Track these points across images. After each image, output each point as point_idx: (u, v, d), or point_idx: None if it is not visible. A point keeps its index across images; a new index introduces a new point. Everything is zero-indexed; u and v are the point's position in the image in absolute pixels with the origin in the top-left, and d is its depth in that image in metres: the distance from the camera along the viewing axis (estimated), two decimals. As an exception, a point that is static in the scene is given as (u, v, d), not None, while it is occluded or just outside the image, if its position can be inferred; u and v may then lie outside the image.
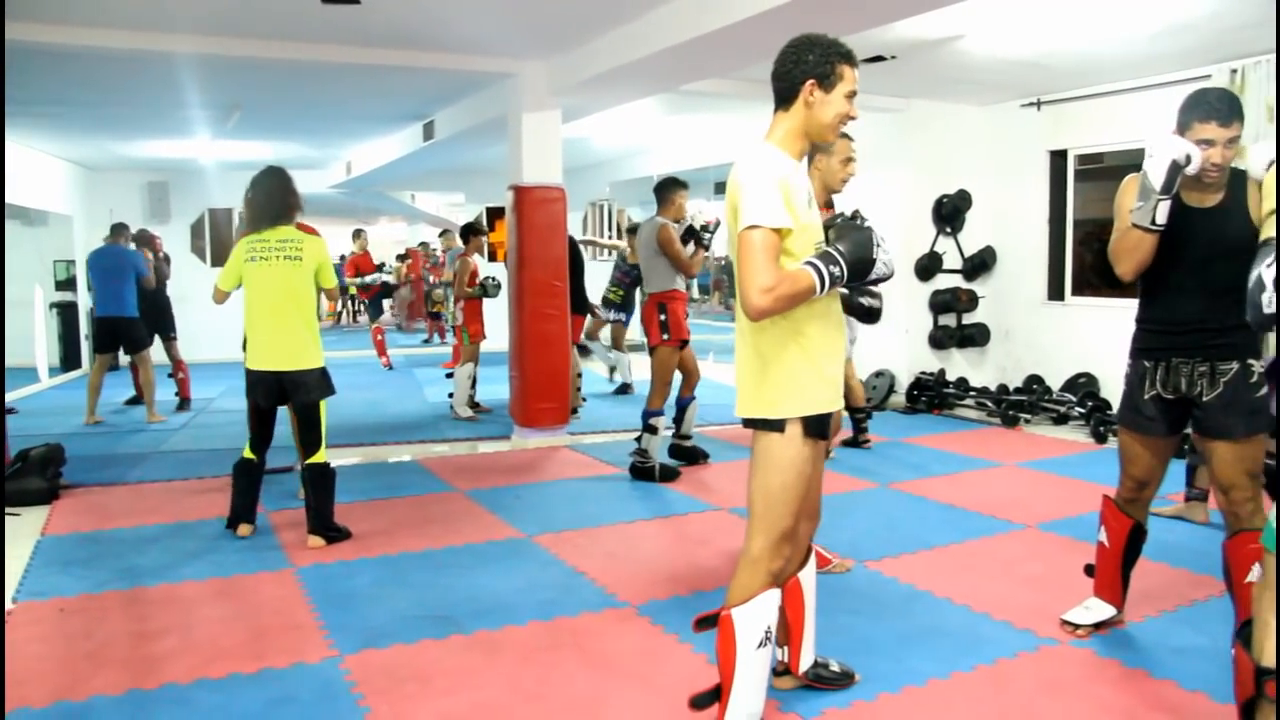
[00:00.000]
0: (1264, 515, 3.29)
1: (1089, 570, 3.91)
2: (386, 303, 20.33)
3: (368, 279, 13.99)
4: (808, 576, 3.22)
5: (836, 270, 2.72)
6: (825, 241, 2.85)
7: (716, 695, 2.82)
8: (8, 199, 11.05)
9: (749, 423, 2.89)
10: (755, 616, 2.79)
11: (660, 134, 12.48)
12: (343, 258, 15.52)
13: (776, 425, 2.81)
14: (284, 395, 5.14)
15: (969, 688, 3.40)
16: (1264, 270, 2.23)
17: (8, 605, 4.37)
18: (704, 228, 6.75)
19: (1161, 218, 3.27)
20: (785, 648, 3.28)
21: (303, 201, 5.31)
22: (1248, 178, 3.38)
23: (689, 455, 7.17)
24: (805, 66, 2.79)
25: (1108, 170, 9.51)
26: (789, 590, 3.12)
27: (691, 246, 6.67)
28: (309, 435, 5.20)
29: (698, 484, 6.53)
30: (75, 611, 4.30)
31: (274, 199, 5.12)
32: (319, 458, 5.19)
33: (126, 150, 12.82)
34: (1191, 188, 3.41)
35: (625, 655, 3.74)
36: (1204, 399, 3.42)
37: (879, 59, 7.49)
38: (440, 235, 15.92)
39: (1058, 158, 9.24)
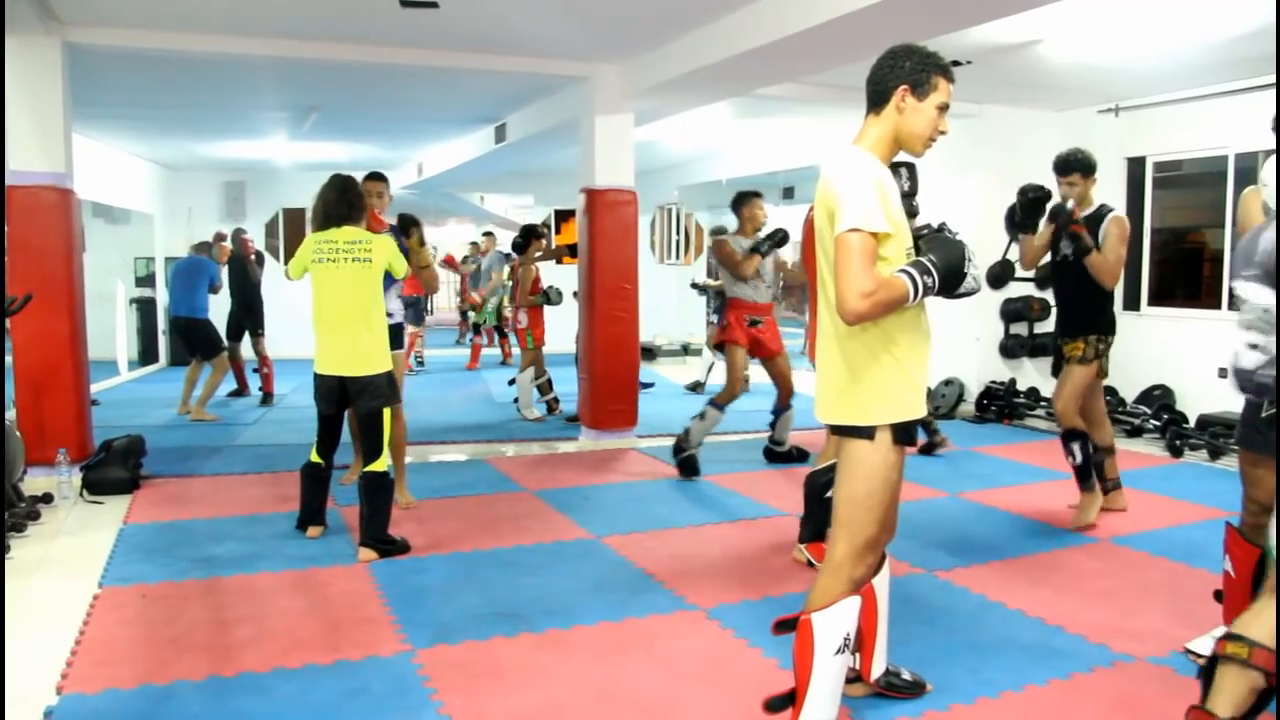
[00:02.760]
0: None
1: (1218, 596, 3.70)
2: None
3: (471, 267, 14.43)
4: (882, 584, 3.21)
5: (929, 280, 2.71)
6: (917, 250, 2.84)
7: (791, 699, 2.82)
8: (94, 198, 11.39)
9: (836, 429, 2.89)
10: (835, 622, 2.79)
11: (730, 138, 12.47)
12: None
13: (866, 432, 2.81)
14: (348, 399, 5.09)
15: (1043, 701, 3.36)
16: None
17: (93, 590, 4.51)
18: (765, 241, 6.80)
19: None
20: (858, 655, 3.27)
21: (368, 203, 5.34)
22: None
23: (784, 458, 7.30)
24: (901, 72, 2.80)
25: (1186, 178, 9.32)
26: (863, 597, 3.11)
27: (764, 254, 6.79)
28: (370, 442, 5.06)
29: (769, 489, 6.51)
30: (158, 598, 4.42)
31: (343, 199, 5.11)
32: (378, 466, 5.04)
33: (205, 150, 13.13)
34: None
35: (695, 657, 3.75)
36: None
37: (954, 64, 7.40)
38: (484, 236, 15.83)
39: (1135, 165, 9.07)
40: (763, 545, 5.30)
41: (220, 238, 10.34)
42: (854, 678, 3.30)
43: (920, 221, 3.09)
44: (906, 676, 3.38)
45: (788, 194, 15.92)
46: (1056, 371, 5.65)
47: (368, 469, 5.04)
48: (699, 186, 15.09)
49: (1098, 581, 4.63)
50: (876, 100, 2.84)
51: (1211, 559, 4.78)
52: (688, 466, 6.81)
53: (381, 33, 7.10)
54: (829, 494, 4.63)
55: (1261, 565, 3.50)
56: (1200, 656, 3.63)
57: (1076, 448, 5.48)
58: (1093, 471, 5.55)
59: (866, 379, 2.80)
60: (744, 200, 6.92)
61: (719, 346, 6.95)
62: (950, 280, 2.76)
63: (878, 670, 3.31)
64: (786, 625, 2.86)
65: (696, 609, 4.26)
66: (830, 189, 2.73)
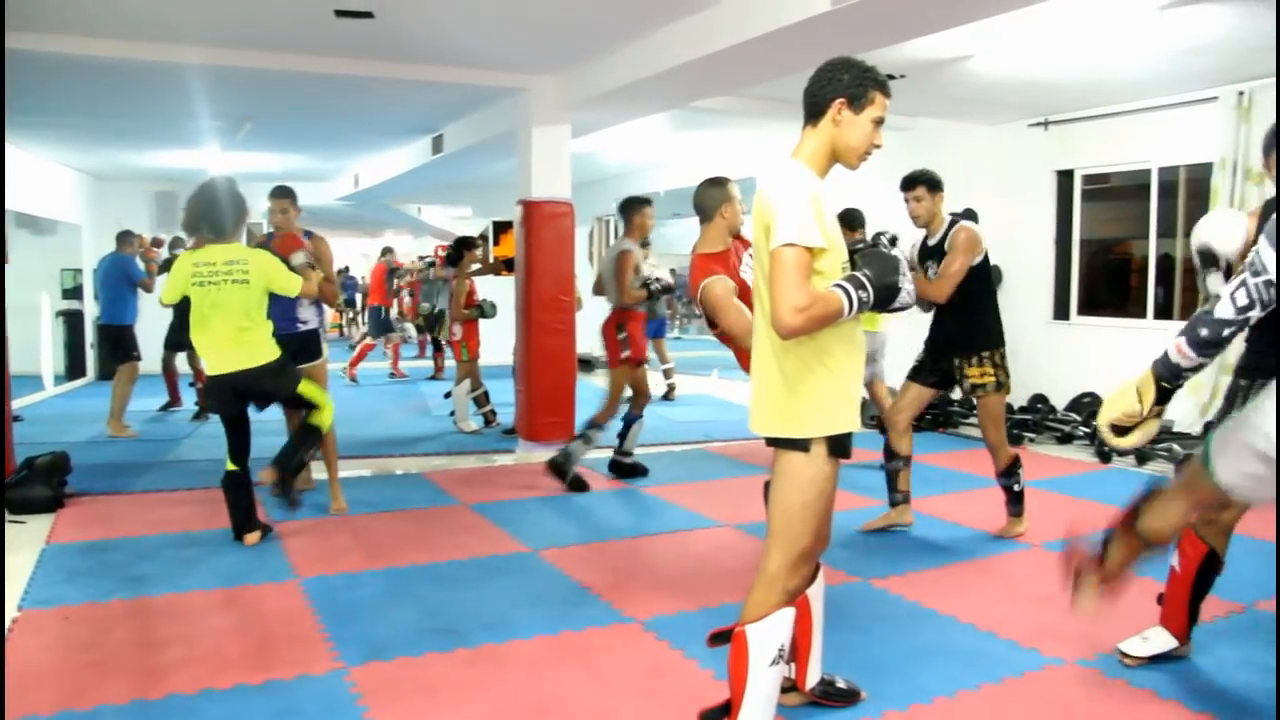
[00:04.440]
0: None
1: (1161, 600, 3.77)
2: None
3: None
4: (816, 594, 3.22)
5: (864, 295, 2.71)
6: (852, 265, 2.86)
7: (726, 711, 2.82)
8: (18, 208, 11.12)
9: (772, 441, 2.89)
10: (769, 634, 2.80)
11: (669, 150, 12.53)
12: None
13: (801, 444, 2.81)
14: (246, 396, 5.10)
15: (975, 705, 3.40)
16: (1220, 286, 2.69)
17: (12, 614, 4.37)
18: (656, 282, 6.75)
19: (1214, 288, 3.33)
20: (793, 664, 3.27)
21: (247, 212, 5.20)
22: None
23: (629, 471, 7.20)
24: (838, 85, 2.80)
25: (1114, 190, 9.54)
26: (799, 607, 3.12)
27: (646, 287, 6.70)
28: (306, 408, 5.21)
29: (704, 500, 6.51)
30: (80, 620, 4.30)
31: (216, 212, 4.96)
32: (317, 419, 5.24)
33: (135, 160, 12.89)
34: None
35: (632, 671, 3.74)
36: None
37: (889, 78, 7.51)
38: (382, 255, 15.70)
39: (1064, 177, 9.26)
40: (699, 556, 5.31)
41: (129, 234, 9.94)
42: (789, 687, 3.30)
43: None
44: (841, 685, 3.40)
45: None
46: (962, 389, 5.55)
47: (308, 420, 5.22)
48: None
49: (1029, 587, 4.70)
50: (813, 112, 2.84)
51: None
52: (577, 484, 6.76)
53: (316, 42, 7.03)
54: None
55: (1207, 563, 3.60)
56: (1131, 657, 3.72)
57: (1021, 475, 5.54)
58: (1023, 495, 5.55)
59: (801, 391, 2.80)
60: (634, 206, 6.81)
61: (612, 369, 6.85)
62: (885, 295, 2.78)
63: (813, 679, 3.32)
64: (721, 637, 2.86)
65: (633, 621, 4.24)
66: (766, 203, 2.73)
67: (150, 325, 10.24)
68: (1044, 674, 3.66)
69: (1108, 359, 8.62)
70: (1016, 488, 5.54)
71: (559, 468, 6.75)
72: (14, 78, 7.03)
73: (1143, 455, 7.55)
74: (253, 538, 5.33)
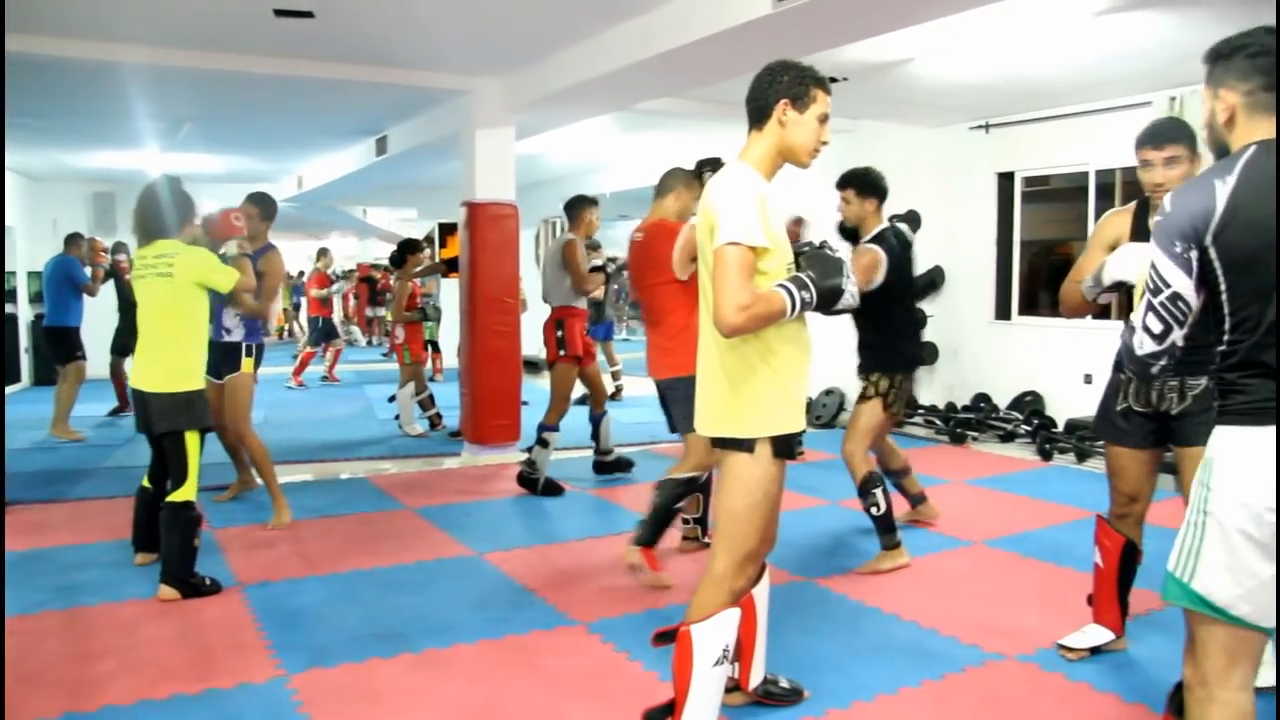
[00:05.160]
0: None
1: (1091, 600, 3.86)
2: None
3: (324, 292, 14.06)
4: (761, 594, 3.24)
5: (807, 295, 2.75)
6: (796, 266, 2.87)
7: (670, 711, 2.83)
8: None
9: (717, 442, 2.89)
10: (714, 634, 2.80)
11: (615, 152, 12.51)
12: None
13: (746, 445, 2.82)
14: None
15: (916, 702, 3.43)
16: (1134, 316, 2.26)
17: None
18: (611, 262, 6.80)
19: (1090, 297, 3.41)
20: (737, 664, 3.28)
21: (194, 210, 4.94)
22: None
23: (614, 468, 7.24)
24: (780, 87, 2.83)
25: (1054, 192, 9.69)
26: (742, 607, 3.13)
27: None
28: (174, 469, 4.68)
29: (642, 501, 6.50)
30: (11, 633, 4.18)
31: (154, 210, 4.78)
32: (178, 496, 4.63)
33: (72, 160, 12.63)
34: (1152, 211, 3.54)
35: (576, 673, 3.73)
36: (1173, 412, 3.46)
37: (831, 80, 7.57)
38: (318, 258, 15.48)
39: (1005, 179, 9.39)
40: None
41: (77, 236, 9.75)
42: (733, 687, 3.31)
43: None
44: (784, 684, 3.42)
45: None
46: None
47: (169, 498, 4.65)
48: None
49: (971, 584, 4.76)
50: (758, 116, 2.87)
51: (1079, 558, 4.98)
52: (549, 489, 6.75)
53: (256, 42, 6.93)
54: (680, 504, 4.69)
55: (1127, 554, 3.67)
56: (1071, 650, 3.78)
57: (879, 495, 4.93)
58: (895, 524, 5.01)
59: (745, 391, 2.81)
60: (581, 204, 6.83)
61: (552, 365, 6.83)
62: (828, 295, 2.81)
63: (756, 679, 3.34)
64: (666, 637, 2.86)
65: (578, 624, 4.24)
66: (711, 204, 2.76)
67: (96, 329, 10.04)
68: (984, 669, 3.71)
69: (1049, 358, 8.77)
70: (875, 512, 4.92)
71: (528, 479, 6.74)
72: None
73: (1082, 452, 7.68)
74: (143, 559, 5.06)
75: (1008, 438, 8.57)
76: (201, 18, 6.34)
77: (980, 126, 9.27)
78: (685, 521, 5.32)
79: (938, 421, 9.03)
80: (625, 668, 3.77)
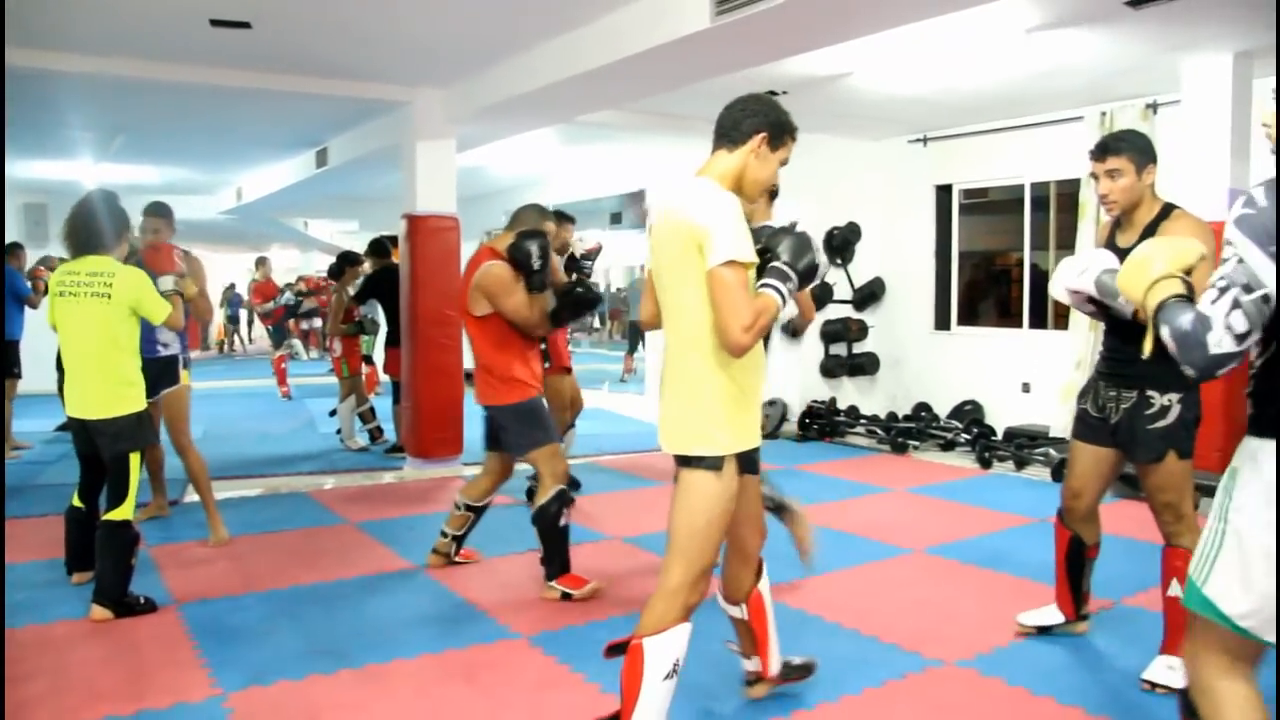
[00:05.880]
0: (1192, 535, 3.44)
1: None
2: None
3: (269, 305, 13.83)
4: (765, 587, 3.34)
5: (790, 285, 2.83)
6: (764, 252, 2.88)
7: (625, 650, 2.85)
8: None
9: (680, 459, 2.90)
10: (667, 648, 2.80)
11: (557, 163, 12.53)
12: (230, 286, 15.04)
13: (711, 462, 2.83)
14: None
15: (857, 709, 3.47)
16: (1208, 308, 2.04)
17: None
18: (585, 256, 6.81)
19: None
20: (755, 658, 3.39)
21: (129, 226, 4.81)
22: (1174, 220, 3.53)
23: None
24: (762, 120, 2.90)
25: (991, 205, 9.87)
26: (753, 603, 3.28)
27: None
28: (114, 488, 4.55)
29: (588, 515, 6.49)
30: (-64, 656, 4.09)
31: (92, 224, 4.59)
32: (118, 514, 4.52)
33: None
34: (1121, 226, 3.67)
35: (519, 687, 3.71)
36: (1112, 421, 3.65)
37: (770, 94, 7.65)
38: (257, 267, 15.37)
39: (943, 192, 9.54)
40: (587, 570, 5.24)
41: (17, 246, 9.49)
42: (754, 680, 3.44)
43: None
44: (796, 661, 3.53)
45: (615, 219, 16.06)
46: None
47: (106, 517, 4.55)
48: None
49: (911, 591, 4.82)
50: (731, 138, 2.91)
51: (1017, 564, 5.15)
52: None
53: (192, 51, 6.84)
54: (562, 523, 4.73)
55: (1074, 547, 3.90)
56: (1023, 626, 4.09)
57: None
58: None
59: (712, 409, 2.83)
60: (557, 220, 6.84)
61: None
62: (807, 272, 2.89)
63: (775, 667, 3.42)
64: (617, 650, 2.87)
65: (519, 637, 4.22)
66: (694, 221, 2.73)
67: (39, 343, 9.67)
68: (924, 675, 3.76)
69: (987, 367, 8.92)
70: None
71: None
72: None
73: (1020, 460, 7.81)
74: (81, 578, 4.94)
75: (948, 446, 8.68)
76: (136, 27, 6.25)
77: (918, 140, 9.42)
78: (443, 535, 5.29)
79: (879, 431, 9.12)
80: (567, 680, 3.76)
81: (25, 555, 5.54)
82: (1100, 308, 3.52)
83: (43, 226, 14.07)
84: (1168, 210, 3.57)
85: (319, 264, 22.40)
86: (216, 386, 14.35)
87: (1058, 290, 3.61)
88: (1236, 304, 1.98)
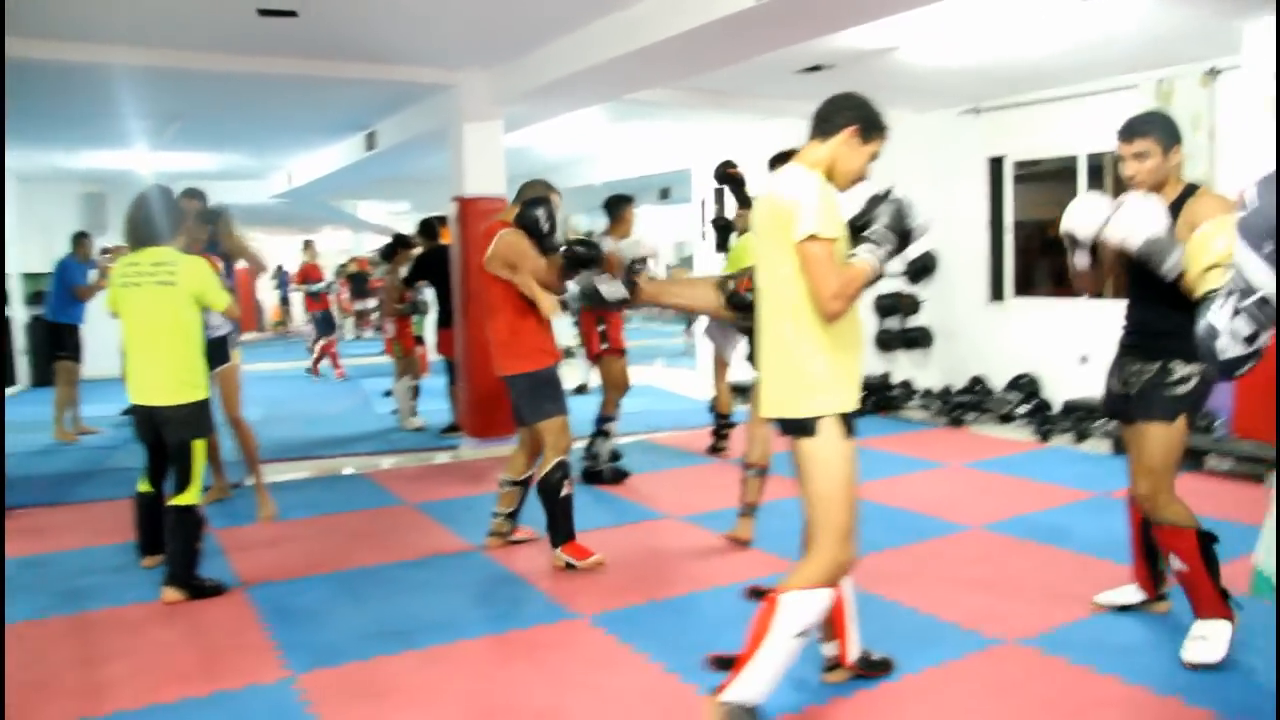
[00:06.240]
0: (1172, 506, 3.56)
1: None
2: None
3: (315, 287, 13.97)
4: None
5: (885, 249, 2.96)
6: (862, 225, 3.03)
7: (731, 664, 2.90)
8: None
9: (788, 427, 2.99)
10: (805, 607, 2.89)
11: (604, 141, 12.51)
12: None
13: (812, 425, 2.93)
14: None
15: (919, 689, 3.47)
16: (1214, 316, 2.10)
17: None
18: (637, 260, 6.83)
19: (1080, 264, 3.75)
20: (835, 641, 3.41)
21: (186, 219, 4.95)
22: (1198, 199, 3.53)
23: (601, 480, 7.18)
24: (855, 114, 3.04)
25: (1044, 174, 9.70)
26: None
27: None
28: (179, 473, 4.67)
29: (646, 492, 6.55)
30: (19, 638, 4.22)
31: (149, 217, 4.71)
32: (184, 499, 4.63)
33: (61, 161, 12.59)
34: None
35: (580, 667, 3.76)
36: (1132, 393, 3.65)
37: (816, 69, 7.60)
38: (304, 250, 15.54)
39: (995, 163, 9.40)
40: (644, 549, 5.34)
41: (83, 235, 9.69)
42: (833, 665, 3.45)
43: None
44: (876, 657, 3.54)
45: (664, 194, 16.07)
46: None
47: (172, 502, 4.67)
48: (576, 190, 15.10)
49: (970, 569, 4.79)
50: (824, 130, 3.04)
51: (1078, 540, 5.08)
52: (616, 476, 6.89)
53: (241, 41, 6.91)
54: (564, 493, 4.84)
55: (1146, 524, 3.82)
56: (1095, 604, 4.04)
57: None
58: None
59: (810, 372, 2.93)
60: (623, 204, 7.00)
61: (598, 357, 7.04)
62: (906, 237, 3.03)
63: (854, 653, 3.44)
64: (723, 664, 2.92)
65: (580, 617, 4.27)
66: (782, 203, 2.91)
67: (105, 328, 9.77)
68: (985, 654, 3.74)
69: (1044, 339, 8.80)
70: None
71: (594, 473, 6.88)
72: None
73: (1080, 433, 7.72)
74: (151, 561, 5.07)
75: (1005, 419, 8.60)
76: (186, 19, 6.33)
77: (970, 111, 9.28)
78: (496, 515, 5.35)
79: (934, 404, 9.06)
80: (630, 660, 3.80)
81: (97, 539, 5.72)
82: (1123, 268, 3.60)
83: (101, 215, 14.33)
84: (1191, 190, 3.59)
85: (371, 245, 22.63)
86: (272, 369, 14.57)
87: (1075, 224, 3.60)
88: (1237, 310, 2.03)
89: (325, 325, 14.16)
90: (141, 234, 4.71)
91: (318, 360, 13.87)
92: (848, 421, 2.99)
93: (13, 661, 3.95)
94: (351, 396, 12.03)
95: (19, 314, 13.33)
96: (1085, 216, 3.58)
